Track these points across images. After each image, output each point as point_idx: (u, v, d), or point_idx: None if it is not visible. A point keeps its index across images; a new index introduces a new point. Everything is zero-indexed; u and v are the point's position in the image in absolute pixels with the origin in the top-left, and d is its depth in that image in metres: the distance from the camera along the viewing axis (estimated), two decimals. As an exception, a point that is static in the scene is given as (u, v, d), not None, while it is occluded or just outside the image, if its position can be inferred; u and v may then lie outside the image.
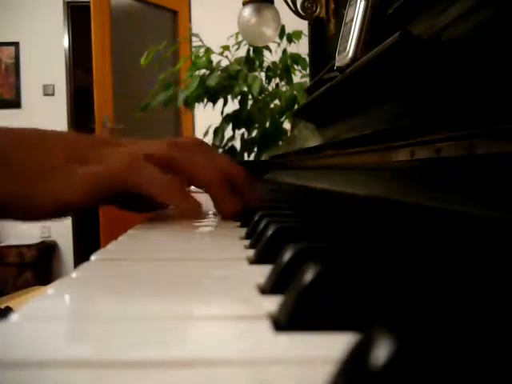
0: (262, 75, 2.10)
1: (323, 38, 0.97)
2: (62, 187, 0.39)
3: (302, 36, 2.02)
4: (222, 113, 2.13)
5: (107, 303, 0.20)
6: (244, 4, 1.58)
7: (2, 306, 0.90)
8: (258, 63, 2.08)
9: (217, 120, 2.14)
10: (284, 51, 2.10)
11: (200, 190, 0.51)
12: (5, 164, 0.38)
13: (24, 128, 0.42)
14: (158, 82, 2.18)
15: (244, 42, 2.01)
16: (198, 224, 0.48)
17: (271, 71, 2.11)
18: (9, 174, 0.38)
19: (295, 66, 2.09)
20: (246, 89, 2.01)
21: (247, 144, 2.08)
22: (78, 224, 3.52)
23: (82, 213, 0.44)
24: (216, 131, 2.12)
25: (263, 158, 1.96)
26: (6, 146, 0.39)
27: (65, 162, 0.40)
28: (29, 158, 0.39)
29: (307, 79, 1.87)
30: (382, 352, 0.10)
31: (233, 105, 2.12)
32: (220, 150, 2.10)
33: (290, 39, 2.08)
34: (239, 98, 2.07)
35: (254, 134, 2.09)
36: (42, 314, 0.19)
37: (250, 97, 2.04)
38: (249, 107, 2.07)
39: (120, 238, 0.37)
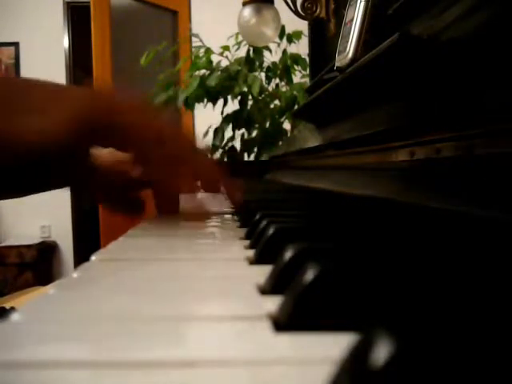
0: (262, 75, 2.10)
1: (323, 38, 0.97)
2: (41, 120, 0.38)
3: (302, 36, 2.02)
4: (222, 113, 2.13)
5: (107, 303, 0.20)
6: (244, 4, 1.58)
7: (7, 307, 0.90)
8: (257, 63, 2.07)
9: (217, 120, 2.14)
10: (284, 51, 2.10)
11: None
12: None
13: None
14: (158, 82, 2.18)
15: (244, 43, 2.01)
16: (198, 224, 0.48)
17: (271, 71, 2.11)
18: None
19: (295, 66, 2.09)
20: (245, 89, 2.00)
21: (247, 144, 2.08)
22: (78, 224, 3.52)
23: (63, 158, 0.42)
24: (216, 131, 2.12)
25: (263, 158, 1.96)
26: None
27: (41, 101, 0.39)
28: (6, 97, 0.38)
29: (307, 79, 1.87)
30: (381, 352, 0.10)
31: (233, 105, 2.12)
32: (220, 150, 2.10)
33: (290, 39, 2.08)
34: (239, 98, 2.07)
35: (254, 134, 2.09)
36: (42, 314, 0.19)
37: (250, 97, 2.04)
38: (249, 107, 2.07)
39: (120, 238, 0.37)
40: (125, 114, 0.42)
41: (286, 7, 1.11)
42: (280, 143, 1.93)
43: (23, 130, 0.37)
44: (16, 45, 3.42)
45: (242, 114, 2.06)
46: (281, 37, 2.01)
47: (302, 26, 1.45)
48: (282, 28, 1.91)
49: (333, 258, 0.22)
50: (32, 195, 0.49)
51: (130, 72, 2.76)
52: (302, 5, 0.99)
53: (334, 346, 0.14)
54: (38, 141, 0.37)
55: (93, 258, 0.29)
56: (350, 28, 0.55)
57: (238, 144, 2.13)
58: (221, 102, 2.11)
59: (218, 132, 2.11)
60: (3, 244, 3.24)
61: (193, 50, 2.33)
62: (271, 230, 0.29)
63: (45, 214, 3.35)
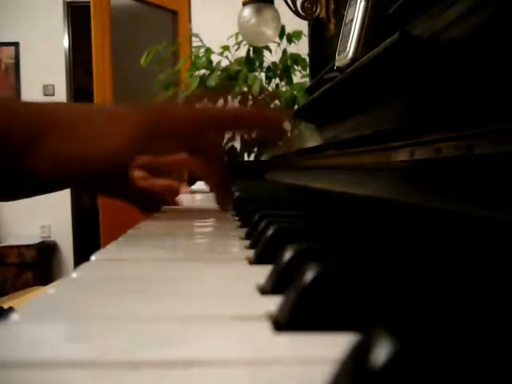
0: (262, 75, 2.10)
1: (323, 38, 0.97)
2: (111, 138, 0.44)
3: (302, 36, 2.02)
4: (222, 113, 2.13)
5: (107, 303, 0.20)
6: (244, 4, 1.58)
7: (6, 306, 0.90)
8: (258, 63, 2.07)
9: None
10: (284, 51, 2.10)
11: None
12: (70, 130, 0.44)
13: (73, 104, 0.51)
14: (158, 82, 2.18)
15: (244, 42, 2.01)
16: (198, 224, 0.48)
17: (271, 71, 2.11)
18: (73, 137, 0.43)
19: (295, 66, 2.09)
20: (246, 89, 2.00)
21: (247, 144, 2.07)
22: (78, 224, 3.52)
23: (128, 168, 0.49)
24: (216, 131, 2.12)
25: (263, 158, 1.96)
26: (59, 115, 0.45)
27: (108, 121, 0.45)
28: (73, 124, 0.45)
29: (307, 79, 1.87)
30: (381, 352, 0.10)
31: (233, 105, 2.11)
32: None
33: (290, 39, 2.08)
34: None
35: (254, 134, 2.09)
36: (42, 314, 0.19)
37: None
38: (249, 107, 2.06)
39: (120, 238, 0.37)
40: (176, 123, 0.46)
41: (286, 7, 1.11)
42: (280, 143, 1.93)
43: (90, 153, 0.43)
44: (16, 45, 3.42)
45: (242, 114, 2.05)
46: (281, 37, 2.01)
47: (302, 26, 1.45)
48: (282, 28, 1.91)
49: (333, 258, 0.22)
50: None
51: (129, 72, 2.76)
52: (302, 5, 0.99)
53: (334, 346, 0.14)
54: (104, 161, 0.44)
55: (93, 258, 0.29)
56: (350, 28, 0.55)
57: (238, 144, 2.13)
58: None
59: (218, 132, 2.10)
60: (3, 244, 3.24)
61: (193, 50, 2.33)
62: (271, 230, 0.29)
63: (45, 214, 3.35)
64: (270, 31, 1.60)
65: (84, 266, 0.27)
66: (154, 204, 0.59)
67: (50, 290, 0.22)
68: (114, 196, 0.58)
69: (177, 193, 0.66)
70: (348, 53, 0.54)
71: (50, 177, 0.44)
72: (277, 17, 1.60)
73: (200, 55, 2.16)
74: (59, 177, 0.45)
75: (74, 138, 0.43)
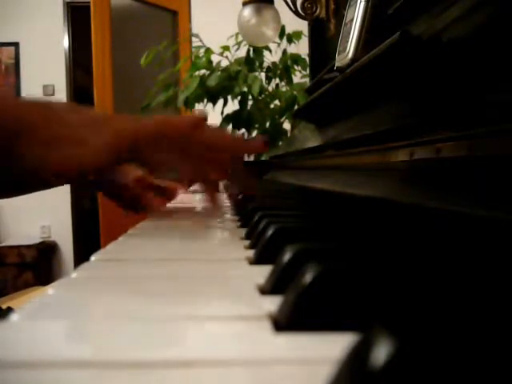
0: (262, 75, 2.10)
1: (323, 38, 0.97)
2: (80, 151, 0.43)
3: (302, 36, 2.02)
4: (222, 113, 2.13)
5: (107, 303, 0.20)
6: (244, 4, 1.58)
7: (4, 307, 0.90)
8: (257, 63, 2.07)
9: (217, 120, 2.14)
10: (284, 51, 2.10)
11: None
12: (35, 132, 0.42)
13: (48, 102, 0.46)
14: (158, 82, 2.18)
15: (244, 43, 2.00)
16: (197, 224, 0.48)
17: (271, 71, 2.11)
18: (39, 142, 0.42)
19: (295, 67, 2.09)
20: (245, 89, 2.00)
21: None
22: (78, 224, 3.52)
23: (101, 173, 0.50)
24: (216, 131, 2.12)
25: (263, 158, 1.96)
26: (35, 118, 0.42)
27: (82, 132, 0.44)
28: (54, 128, 0.43)
29: (307, 79, 1.87)
30: (381, 352, 0.10)
31: (233, 105, 2.11)
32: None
33: (290, 39, 2.08)
34: (239, 98, 2.07)
35: (254, 134, 2.09)
36: (42, 314, 0.19)
37: (250, 97, 2.04)
38: (249, 108, 2.06)
39: (120, 238, 0.38)
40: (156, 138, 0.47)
41: (286, 7, 1.11)
42: (280, 143, 1.93)
43: (63, 160, 0.42)
44: (16, 45, 3.41)
45: (242, 114, 2.06)
46: (281, 37, 2.01)
47: (302, 25, 1.45)
48: (282, 28, 1.91)
49: (332, 259, 0.22)
50: (33, 195, 0.51)
51: (130, 72, 2.76)
52: (302, 5, 0.99)
53: (334, 346, 0.14)
54: (77, 169, 0.43)
55: (93, 258, 0.29)
56: (350, 28, 0.55)
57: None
58: (221, 102, 2.11)
59: (218, 132, 2.10)
60: (3, 244, 3.23)
61: (193, 50, 2.33)
62: (271, 230, 0.29)
63: (45, 214, 3.35)
64: (270, 31, 1.60)
65: (84, 265, 0.27)
66: (140, 207, 0.61)
67: (50, 289, 0.22)
68: (102, 191, 0.59)
69: (174, 193, 0.66)
70: (348, 53, 0.54)
71: (33, 177, 0.43)
72: (277, 17, 1.60)
73: (200, 55, 2.16)
74: (38, 177, 0.44)
75: (47, 143, 0.42)
